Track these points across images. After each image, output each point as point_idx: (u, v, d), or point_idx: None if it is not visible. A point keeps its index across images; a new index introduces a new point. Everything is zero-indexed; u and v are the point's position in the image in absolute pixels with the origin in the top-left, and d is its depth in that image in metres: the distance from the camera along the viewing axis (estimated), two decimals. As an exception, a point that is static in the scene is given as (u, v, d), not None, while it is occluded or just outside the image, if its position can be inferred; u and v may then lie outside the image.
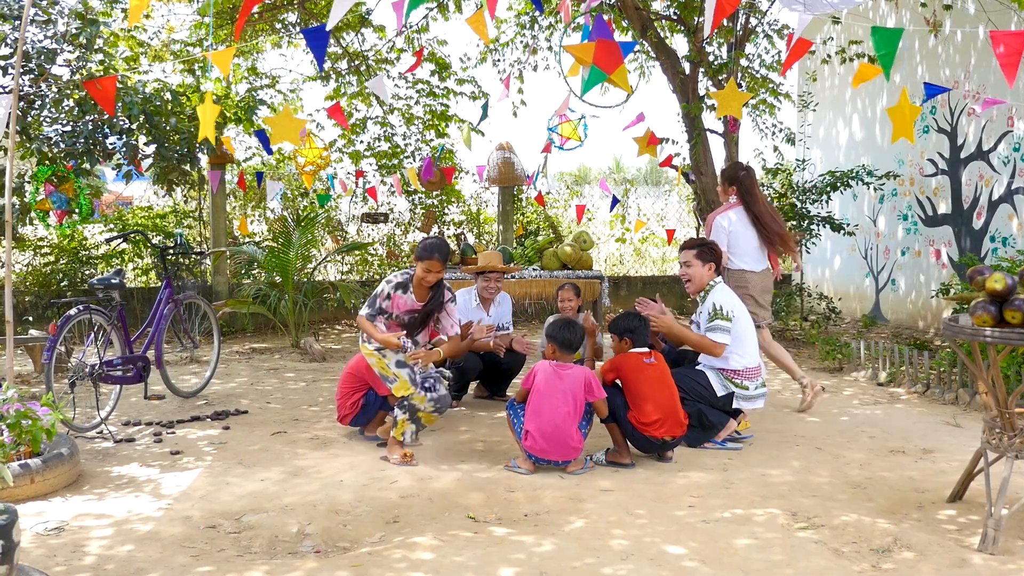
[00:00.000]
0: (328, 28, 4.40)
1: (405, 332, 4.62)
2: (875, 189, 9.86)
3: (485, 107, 7.78)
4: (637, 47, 7.99)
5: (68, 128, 6.78)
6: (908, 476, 4.29)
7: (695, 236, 7.50)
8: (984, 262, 8.29)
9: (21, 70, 5.23)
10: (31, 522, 3.58)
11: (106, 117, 6.62)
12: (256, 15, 9.52)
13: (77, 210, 7.01)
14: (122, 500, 3.91)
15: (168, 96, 7.31)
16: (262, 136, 6.98)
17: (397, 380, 4.49)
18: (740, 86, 8.52)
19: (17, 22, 6.19)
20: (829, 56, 9.10)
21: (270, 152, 8.09)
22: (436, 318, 4.77)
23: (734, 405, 4.80)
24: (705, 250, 4.98)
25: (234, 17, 9.29)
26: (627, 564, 3.16)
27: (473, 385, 6.28)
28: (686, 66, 8.34)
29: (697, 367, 4.91)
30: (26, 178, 7.04)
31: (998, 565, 3.15)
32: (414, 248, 9.28)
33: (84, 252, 9.71)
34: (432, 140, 10.86)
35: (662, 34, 8.62)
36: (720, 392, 4.79)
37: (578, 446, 4.31)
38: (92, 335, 5.30)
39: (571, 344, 4.45)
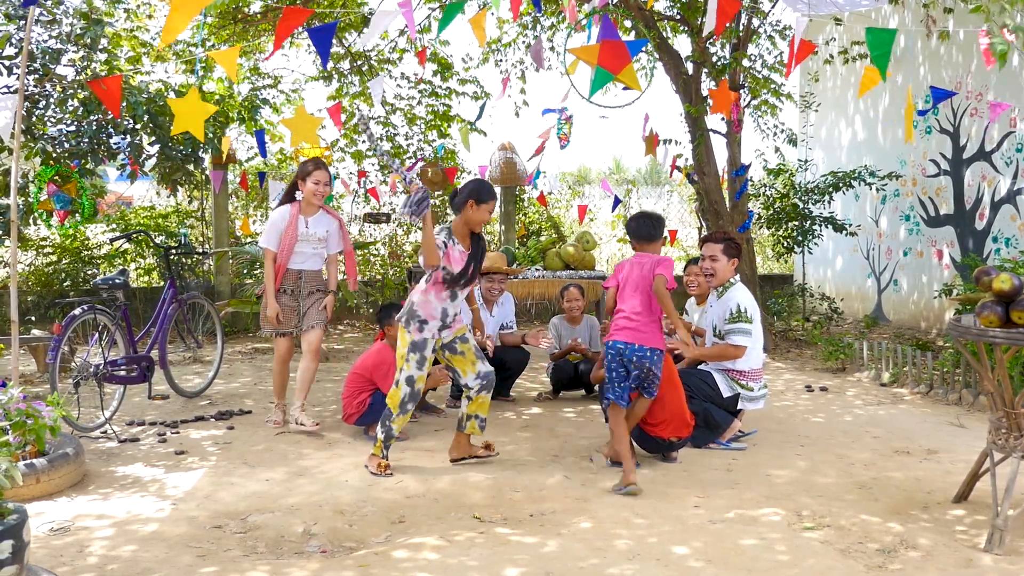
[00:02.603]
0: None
1: (450, 287, 4.36)
2: (877, 189, 9.85)
3: (483, 107, 7.81)
4: (643, 48, 7.98)
5: (72, 128, 6.79)
6: (913, 476, 4.29)
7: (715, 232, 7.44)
8: (987, 263, 8.29)
9: (26, 70, 5.23)
10: (37, 522, 3.58)
11: (110, 117, 6.62)
12: (259, 15, 9.52)
13: (79, 210, 7.01)
14: (127, 500, 3.91)
15: (172, 96, 7.31)
16: (260, 137, 6.98)
17: (396, 387, 4.36)
18: (743, 86, 8.51)
19: (22, 22, 6.20)
20: (832, 57, 9.09)
21: (264, 155, 8.08)
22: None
23: (739, 406, 4.80)
24: (732, 245, 4.90)
25: (236, 17, 9.28)
26: (633, 564, 3.16)
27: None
28: (689, 67, 8.34)
29: (702, 366, 4.91)
30: (30, 178, 7.03)
31: (1004, 565, 3.15)
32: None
33: (87, 252, 9.70)
34: (434, 140, 10.86)
35: (665, 35, 8.61)
36: (726, 393, 4.79)
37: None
38: (96, 335, 5.30)
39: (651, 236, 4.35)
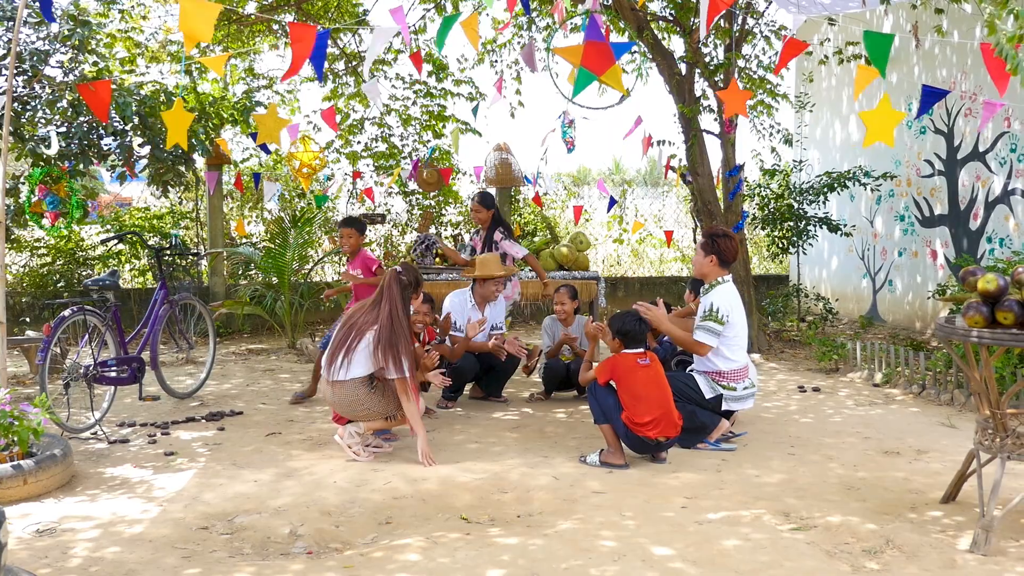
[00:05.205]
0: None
1: None
2: (872, 190, 9.85)
3: (475, 109, 7.83)
4: (634, 48, 7.96)
5: (63, 129, 6.78)
6: (901, 477, 4.28)
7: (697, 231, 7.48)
8: (981, 263, 8.29)
9: (15, 71, 5.23)
10: (22, 523, 3.57)
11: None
12: (253, 15, 9.52)
13: (68, 212, 7.00)
14: (115, 501, 3.90)
15: (163, 98, 7.29)
16: (255, 139, 6.99)
17: None
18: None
19: (10, 23, 6.19)
20: (826, 57, 9.09)
21: (267, 151, 8.06)
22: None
23: (723, 407, 4.80)
24: (708, 241, 4.93)
25: (230, 19, 9.28)
26: (617, 565, 3.16)
27: (469, 386, 6.28)
28: (682, 67, 8.33)
29: (688, 371, 4.93)
30: (21, 179, 7.03)
31: (990, 566, 3.15)
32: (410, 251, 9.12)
33: (81, 253, 9.71)
34: (429, 141, 10.85)
35: (658, 35, 8.60)
36: (708, 395, 4.79)
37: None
38: (86, 336, 5.30)
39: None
